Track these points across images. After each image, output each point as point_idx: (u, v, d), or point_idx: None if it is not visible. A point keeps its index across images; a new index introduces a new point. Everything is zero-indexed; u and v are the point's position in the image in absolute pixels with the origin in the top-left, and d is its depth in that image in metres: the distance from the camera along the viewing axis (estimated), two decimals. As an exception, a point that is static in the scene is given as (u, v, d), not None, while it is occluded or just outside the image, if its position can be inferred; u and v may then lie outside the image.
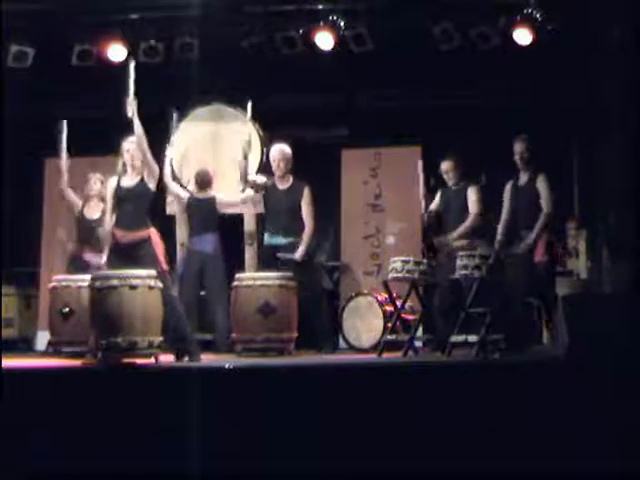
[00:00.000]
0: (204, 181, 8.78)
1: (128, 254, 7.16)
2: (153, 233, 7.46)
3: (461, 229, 7.95)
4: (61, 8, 8.60)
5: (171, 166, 9.29)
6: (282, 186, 8.57)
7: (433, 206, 8.22)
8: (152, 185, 7.32)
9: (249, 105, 8.75)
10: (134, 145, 7.32)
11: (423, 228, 8.75)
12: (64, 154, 8.64)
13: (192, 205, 8.70)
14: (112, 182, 7.41)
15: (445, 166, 8.10)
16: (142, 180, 7.31)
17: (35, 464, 5.51)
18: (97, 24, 8.94)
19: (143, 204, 7.31)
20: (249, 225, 9.25)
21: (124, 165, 7.34)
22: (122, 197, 7.30)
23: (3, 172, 8.50)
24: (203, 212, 8.57)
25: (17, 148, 9.41)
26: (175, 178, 9.02)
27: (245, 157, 8.65)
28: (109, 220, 7.39)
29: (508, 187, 7.79)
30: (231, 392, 5.83)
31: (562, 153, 9.55)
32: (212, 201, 8.65)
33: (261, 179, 8.68)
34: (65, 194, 8.75)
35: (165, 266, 7.74)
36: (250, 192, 8.80)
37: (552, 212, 7.54)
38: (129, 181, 7.33)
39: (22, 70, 8.99)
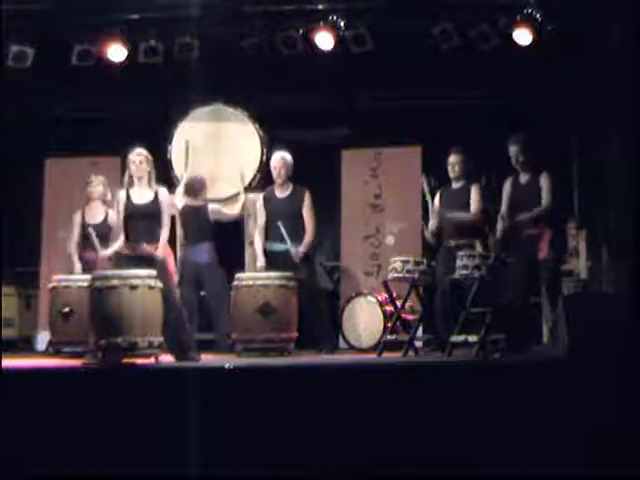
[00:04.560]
0: (195, 188, 8.72)
1: (139, 266, 7.14)
2: (165, 246, 7.48)
3: (462, 215, 7.91)
4: (61, 8, 8.59)
5: (172, 168, 9.32)
6: (282, 194, 8.56)
7: (434, 220, 8.16)
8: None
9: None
10: (141, 157, 7.33)
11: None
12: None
13: (185, 213, 8.68)
14: (121, 195, 7.35)
15: (453, 158, 8.06)
16: (156, 197, 7.30)
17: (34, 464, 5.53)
18: (97, 24, 8.93)
19: (156, 220, 7.30)
20: (249, 225, 9.24)
21: (131, 177, 7.34)
22: (134, 213, 7.27)
23: (3, 172, 8.50)
24: (196, 220, 8.53)
25: (17, 148, 9.43)
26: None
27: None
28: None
29: (507, 184, 7.77)
30: (231, 392, 5.83)
31: (562, 153, 9.54)
32: (204, 209, 8.63)
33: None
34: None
35: (175, 278, 7.76)
36: (243, 202, 8.91)
37: (551, 205, 7.52)
38: (141, 197, 7.32)
39: (22, 70, 8.99)
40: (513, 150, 7.63)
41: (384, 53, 9.03)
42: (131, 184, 7.33)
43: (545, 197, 7.53)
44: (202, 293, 8.68)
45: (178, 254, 9.05)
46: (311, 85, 9.75)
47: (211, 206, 8.68)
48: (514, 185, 7.73)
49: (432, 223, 8.14)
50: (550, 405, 5.55)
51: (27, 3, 8.38)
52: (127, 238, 7.30)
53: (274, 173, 8.58)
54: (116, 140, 8.69)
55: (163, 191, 7.43)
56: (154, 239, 7.28)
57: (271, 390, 5.81)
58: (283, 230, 8.29)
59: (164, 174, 8.73)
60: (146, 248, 7.21)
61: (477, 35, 8.75)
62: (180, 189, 8.95)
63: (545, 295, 7.70)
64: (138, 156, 7.34)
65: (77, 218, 8.67)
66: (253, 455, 5.54)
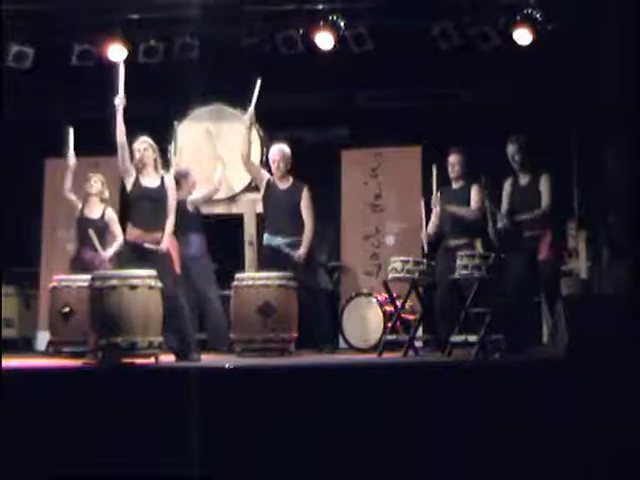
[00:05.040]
0: (176, 181, 8.63)
1: (142, 255, 7.17)
2: (169, 236, 7.48)
3: (460, 211, 7.92)
4: (61, 8, 8.60)
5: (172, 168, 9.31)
6: (282, 186, 8.56)
7: (434, 219, 8.17)
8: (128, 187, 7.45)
9: (250, 110, 8.66)
10: (145, 144, 7.43)
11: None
12: (71, 157, 8.63)
13: None
14: (132, 172, 7.41)
15: (453, 158, 8.08)
16: (162, 183, 7.40)
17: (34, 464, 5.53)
18: (97, 24, 8.94)
19: (162, 205, 7.35)
20: (249, 225, 9.24)
21: (137, 165, 7.41)
22: (140, 196, 7.34)
23: (4, 172, 8.50)
24: (180, 213, 8.48)
25: (17, 148, 9.43)
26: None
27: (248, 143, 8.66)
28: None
29: (507, 185, 7.78)
30: (231, 392, 5.83)
31: (562, 153, 9.55)
32: (183, 203, 8.50)
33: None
34: (67, 197, 8.71)
35: (177, 270, 7.76)
36: (216, 187, 8.88)
37: (551, 207, 7.52)
38: (149, 181, 7.40)
39: (22, 70, 9.00)
40: (511, 150, 7.65)
41: (384, 53, 9.04)
42: (138, 171, 7.41)
43: (545, 199, 7.54)
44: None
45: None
46: (311, 85, 9.76)
47: (189, 199, 8.66)
48: (514, 186, 7.74)
49: (432, 224, 8.16)
50: (550, 405, 5.55)
51: (27, 3, 8.39)
52: (133, 222, 7.33)
53: (273, 167, 8.57)
54: (116, 140, 8.66)
55: (170, 177, 7.57)
56: (159, 225, 7.32)
57: (271, 390, 5.81)
58: (279, 238, 8.34)
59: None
60: (151, 238, 7.22)
61: (477, 35, 8.77)
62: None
63: (545, 295, 7.71)
64: (142, 144, 7.46)
65: (76, 214, 8.68)
66: (253, 455, 5.55)
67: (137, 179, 7.40)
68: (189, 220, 8.52)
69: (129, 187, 7.43)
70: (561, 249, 7.99)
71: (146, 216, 7.33)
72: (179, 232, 8.48)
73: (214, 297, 8.50)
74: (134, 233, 7.32)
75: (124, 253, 7.40)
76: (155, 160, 7.46)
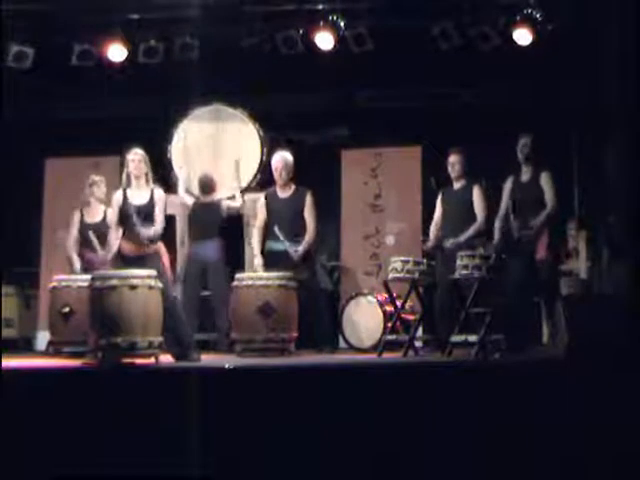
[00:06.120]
0: (208, 186, 8.85)
1: (138, 265, 7.14)
2: (161, 246, 7.49)
3: (470, 232, 7.91)
4: (61, 8, 8.60)
5: (171, 169, 9.33)
6: (284, 194, 8.55)
7: (437, 217, 8.19)
8: None
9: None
10: (139, 156, 7.35)
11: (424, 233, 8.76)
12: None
13: (196, 211, 8.73)
14: (118, 196, 7.37)
15: (453, 158, 8.07)
16: (152, 197, 7.32)
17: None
18: (97, 24, 8.95)
19: (152, 220, 7.31)
20: (249, 226, 9.25)
21: (128, 176, 7.36)
22: (131, 214, 7.25)
23: (3, 172, 8.51)
24: (206, 218, 8.58)
25: (17, 148, 9.43)
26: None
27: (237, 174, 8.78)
28: (114, 236, 7.36)
29: (508, 182, 7.79)
30: (231, 392, 5.83)
31: (562, 153, 9.55)
32: (217, 205, 8.73)
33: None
34: (69, 253, 8.65)
35: (171, 277, 7.77)
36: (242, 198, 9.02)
37: (557, 207, 7.55)
38: (138, 197, 7.32)
39: (22, 70, 9.00)
40: (522, 142, 7.65)
41: (384, 53, 9.04)
42: (129, 184, 7.36)
43: (549, 198, 7.55)
44: (203, 293, 8.70)
45: (178, 254, 9.07)
46: (311, 85, 9.76)
47: (223, 203, 8.81)
48: (515, 183, 7.75)
49: (433, 224, 8.18)
50: (550, 405, 5.55)
51: (27, 3, 8.39)
52: (125, 238, 7.30)
53: (275, 174, 8.57)
54: (116, 140, 8.68)
55: (158, 191, 7.44)
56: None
57: (271, 390, 5.81)
58: (279, 234, 8.30)
59: (164, 174, 8.77)
60: (144, 251, 7.22)
61: (477, 35, 8.77)
62: (182, 186, 9.01)
63: (543, 295, 7.71)
64: (136, 155, 7.37)
65: (76, 217, 8.66)
66: (253, 455, 5.55)
67: (126, 196, 7.32)
68: (215, 224, 8.62)
69: (116, 207, 7.33)
70: (558, 249, 7.98)
71: (137, 233, 7.28)
72: (203, 235, 8.58)
73: (228, 300, 8.45)
74: (127, 247, 7.29)
75: (120, 263, 7.35)
76: (147, 174, 7.36)
